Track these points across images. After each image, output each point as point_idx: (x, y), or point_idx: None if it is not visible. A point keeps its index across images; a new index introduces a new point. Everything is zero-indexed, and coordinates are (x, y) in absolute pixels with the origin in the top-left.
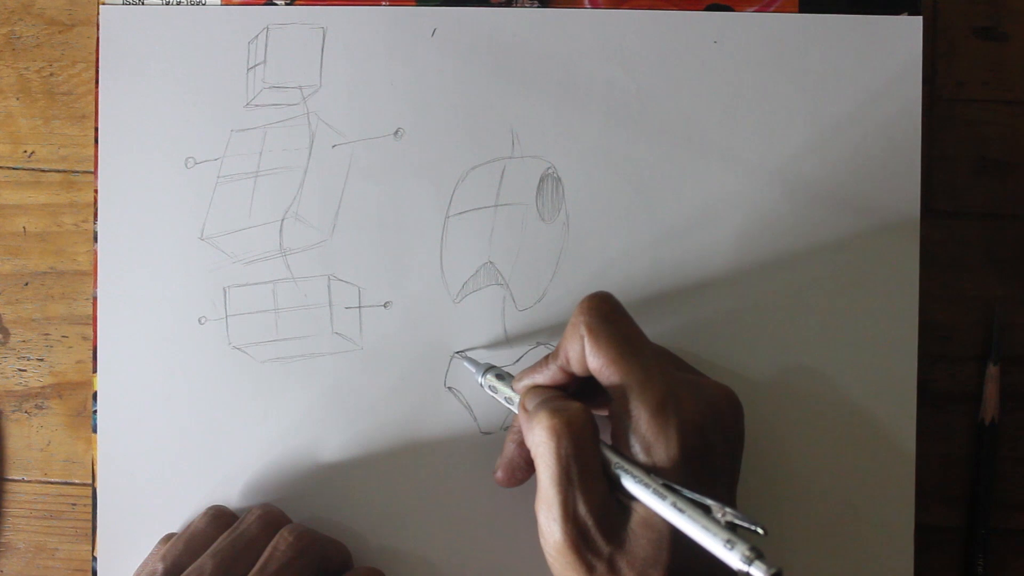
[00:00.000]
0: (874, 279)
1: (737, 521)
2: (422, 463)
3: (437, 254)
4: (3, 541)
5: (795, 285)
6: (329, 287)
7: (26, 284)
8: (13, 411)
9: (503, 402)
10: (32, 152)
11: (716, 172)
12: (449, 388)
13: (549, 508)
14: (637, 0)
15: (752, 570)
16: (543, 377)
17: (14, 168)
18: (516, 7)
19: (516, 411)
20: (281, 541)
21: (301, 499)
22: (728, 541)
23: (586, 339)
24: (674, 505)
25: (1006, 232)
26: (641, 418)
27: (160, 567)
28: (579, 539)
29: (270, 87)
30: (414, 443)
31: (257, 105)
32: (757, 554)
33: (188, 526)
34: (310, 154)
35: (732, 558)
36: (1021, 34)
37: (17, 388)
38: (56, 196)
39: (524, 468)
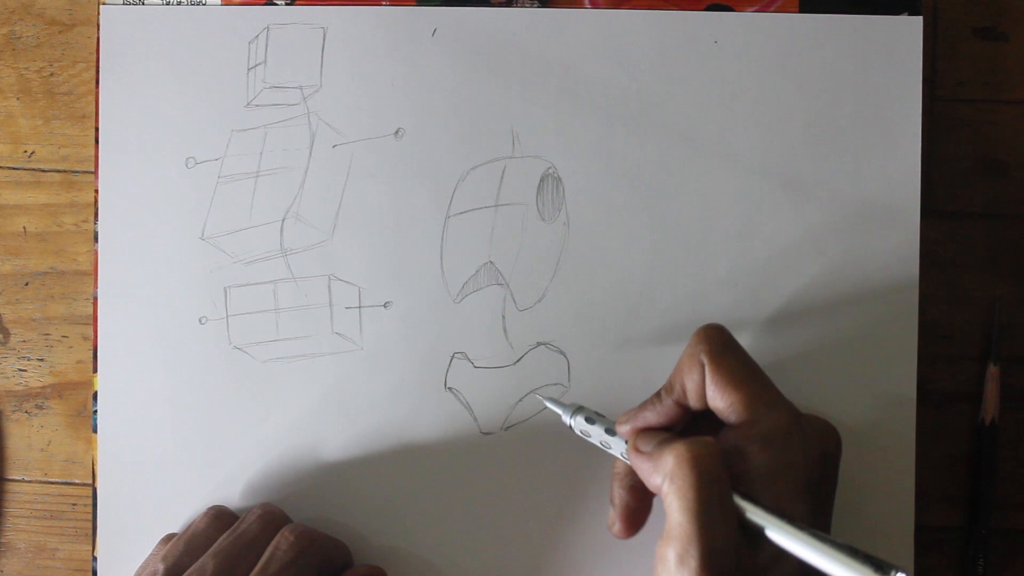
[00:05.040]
0: (874, 279)
1: (880, 560)
2: (422, 463)
3: (437, 254)
4: (3, 541)
5: (795, 285)
6: (329, 287)
7: (26, 284)
8: (13, 411)
9: (597, 444)
10: (32, 152)
11: (716, 172)
12: (449, 388)
13: (688, 545)
14: (637, 0)
15: None
16: (655, 414)
17: (14, 168)
18: (516, 7)
19: (617, 455)
20: (282, 541)
21: (302, 499)
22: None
23: (708, 367)
24: (826, 553)
25: (1006, 232)
26: (768, 443)
27: (161, 567)
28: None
29: (270, 87)
30: (414, 443)
31: (257, 105)
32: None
33: (189, 526)
34: (310, 154)
35: None
36: (1021, 34)
37: (17, 388)
38: (56, 196)
39: (643, 511)
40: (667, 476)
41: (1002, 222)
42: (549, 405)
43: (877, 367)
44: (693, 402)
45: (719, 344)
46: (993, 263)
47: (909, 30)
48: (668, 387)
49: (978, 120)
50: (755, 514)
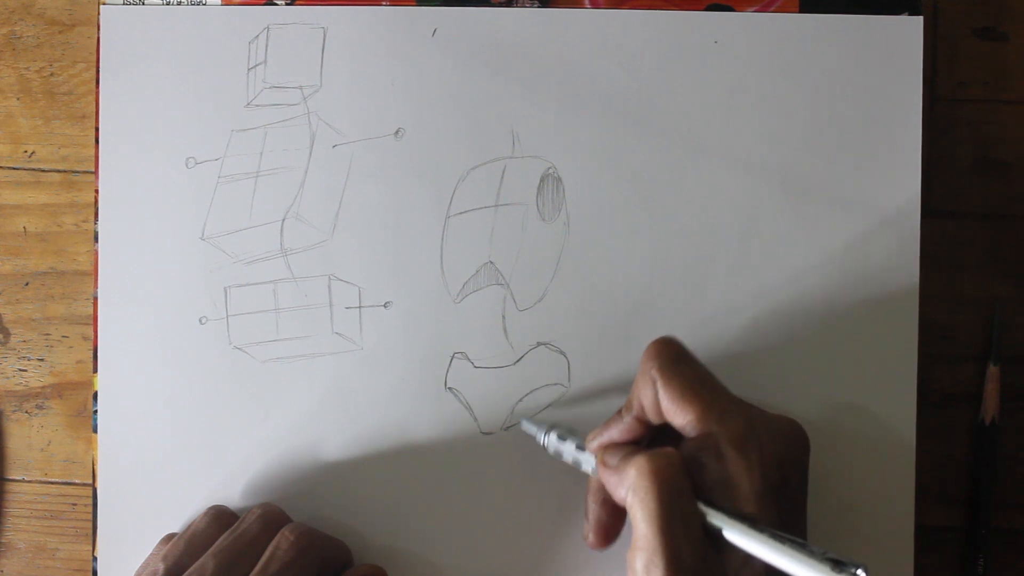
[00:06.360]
0: (874, 279)
1: (838, 559)
2: (422, 463)
3: (437, 254)
4: (3, 541)
5: (795, 285)
6: (329, 287)
7: (26, 284)
8: (13, 411)
9: (569, 462)
10: (32, 152)
11: (716, 172)
12: (449, 388)
13: (652, 555)
14: (637, 0)
15: None
16: (618, 431)
17: (14, 168)
18: (516, 7)
19: (588, 471)
20: (282, 540)
21: (302, 498)
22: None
23: (659, 381)
24: (785, 553)
25: (1006, 232)
26: (722, 453)
27: (161, 567)
28: None
29: (270, 87)
30: (414, 443)
31: (257, 105)
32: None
33: (189, 526)
34: (310, 154)
35: None
36: (1021, 34)
37: (17, 388)
38: (56, 196)
39: (616, 524)
40: (631, 488)
41: (1002, 222)
42: (524, 424)
43: (877, 367)
44: (652, 417)
45: (668, 359)
46: (993, 263)
47: (909, 30)
48: (628, 405)
49: (978, 120)
50: (715, 518)
